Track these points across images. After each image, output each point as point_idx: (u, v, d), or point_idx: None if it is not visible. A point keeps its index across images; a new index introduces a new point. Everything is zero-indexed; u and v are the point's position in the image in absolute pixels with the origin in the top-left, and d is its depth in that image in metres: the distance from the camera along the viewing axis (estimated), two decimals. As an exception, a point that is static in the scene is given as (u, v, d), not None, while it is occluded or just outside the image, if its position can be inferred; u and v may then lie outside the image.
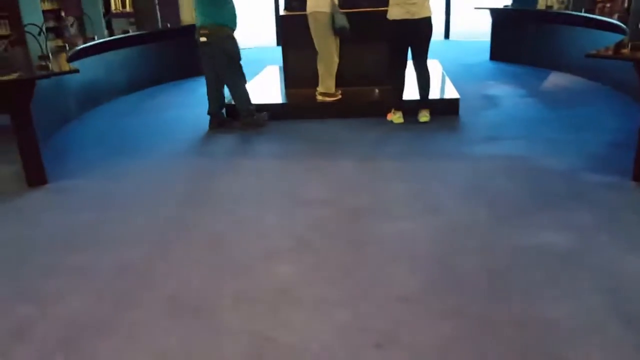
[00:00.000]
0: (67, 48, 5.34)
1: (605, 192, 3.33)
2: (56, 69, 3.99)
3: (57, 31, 9.64)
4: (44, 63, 3.95)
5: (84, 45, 5.68)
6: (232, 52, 4.87)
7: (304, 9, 5.25)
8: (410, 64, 4.92)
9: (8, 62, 4.58)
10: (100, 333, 2.23)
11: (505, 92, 6.10)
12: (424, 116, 4.93)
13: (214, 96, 5.14)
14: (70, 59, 5.07)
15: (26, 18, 6.14)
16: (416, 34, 4.71)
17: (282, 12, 6.08)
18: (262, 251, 2.84)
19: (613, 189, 3.37)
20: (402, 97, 4.99)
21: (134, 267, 2.74)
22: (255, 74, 7.05)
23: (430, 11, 4.70)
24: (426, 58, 4.89)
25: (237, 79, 5.00)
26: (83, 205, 3.57)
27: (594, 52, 3.72)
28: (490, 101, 5.74)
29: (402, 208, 3.30)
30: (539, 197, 3.33)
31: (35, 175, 3.81)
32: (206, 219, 3.27)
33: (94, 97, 6.20)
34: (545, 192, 3.40)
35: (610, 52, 3.78)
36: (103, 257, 2.85)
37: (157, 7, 7.72)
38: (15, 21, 6.80)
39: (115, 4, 10.72)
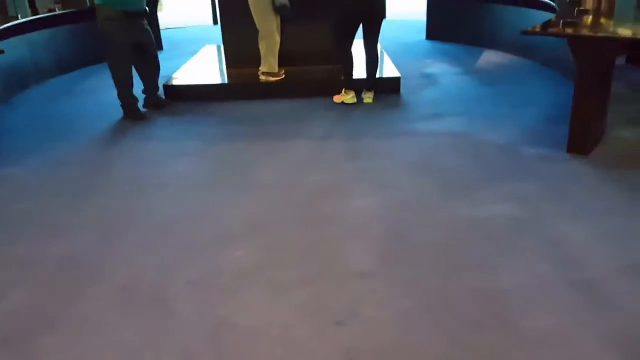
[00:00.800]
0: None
1: (544, 164, 3.49)
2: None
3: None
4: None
5: (6, 25, 5.29)
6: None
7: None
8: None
9: None
10: (45, 329, 2.12)
11: (443, 70, 6.24)
12: (368, 97, 4.95)
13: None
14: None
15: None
16: (371, 14, 4.67)
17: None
18: (215, 236, 2.78)
19: (551, 161, 3.53)
20: (352, 76, 4.95)
21: (80, 258, 2.62)
22: (193, 53, 6.86)
23: None
24: (378, 39, 4.87)
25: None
26: (22, 194, 3.37)
27: (529, 29, 3.84)
28: (430, 80, 5.85)
29: (355, 187, 3.33)
30: (484, 171, 3.44)
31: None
32: (154, 205, 3.17)
33: (22, 79, 5.83)
34: (490, 166, 3.52)
35: (542, 30, 3.91)
36: (47, 248, 2.71)
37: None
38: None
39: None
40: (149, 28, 4.83)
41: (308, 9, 5.48)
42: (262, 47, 5.29)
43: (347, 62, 4.90)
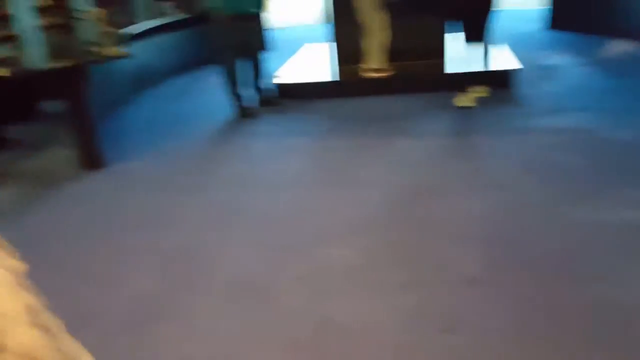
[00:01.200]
0: (116, 33, 5.37)
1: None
2: (108, 54, 4.01)
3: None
4: (94, 49, 3.98)
5: (131, 30, 5.71)
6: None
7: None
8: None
9: (59, 49, 4.63)
10: (160, 317, 2.23)
11: (565, 61, 5.79)
12: (479, 92, 4.61)
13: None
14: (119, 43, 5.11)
15: (74, 3, 6.20)
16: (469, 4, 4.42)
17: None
18: (319, 234, 2.78)
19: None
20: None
21: (191, 250, 2.74)
22: (292, 52, 6.94)
23: None
24: (484, 32, 4.51)
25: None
26: (139, 187, 3.61)
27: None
28: (549, 72, 5.45)
29: (464, 186, 3.17)
30: (610, 172, 3.13)
31: (93, 159, 3.86)
32: (259, 201, 3.24)
33: (144, 80, 6.25)
34: (616, 166, 3.20)
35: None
36: (160, 239, 2.86)
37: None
38: (63, 8, 6.87)
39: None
40: (259, 29, 4.95)
41: (417, 2, 5.34)
42: (368, 42, 5.23)
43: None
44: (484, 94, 4.62)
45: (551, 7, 7.75)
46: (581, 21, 7.18)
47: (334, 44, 5.93)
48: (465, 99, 4.50)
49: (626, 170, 3.12)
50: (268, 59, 5.23)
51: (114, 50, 4.25)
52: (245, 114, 4.99)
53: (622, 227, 2.54)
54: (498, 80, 4.93)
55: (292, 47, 7.54)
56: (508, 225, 2.68)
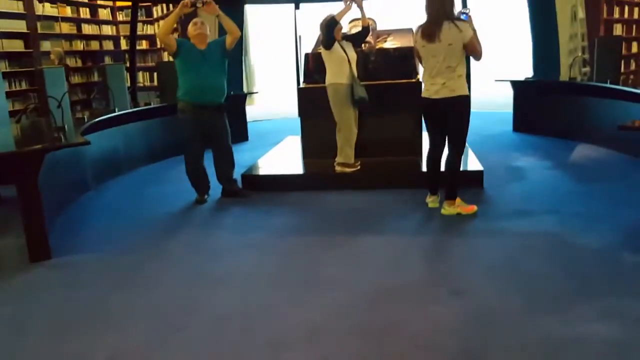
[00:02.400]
0: (86, 120, 5.36)
1: (650, 275, 3.02)
2: (70, 140, 3.94)
3: (85, 103, 9.93)
4: (56, 135, 3.91)
5: (103, 117, 5.71)
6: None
7: (324, 82, 5.22)
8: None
9: (25, 132, 4.56)
10: None
11: (532, 164, 5.89)
12: (443, 208, 4.33)
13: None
14: (88, 131, 5.07)
15: (50, 90, 6.22)
16: (439, 116, 4.19)
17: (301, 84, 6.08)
18: (269, 340, 2.57)
19: (659, 272, 3.06)
20: (435, 181, 4.46)
21: (129, 355, 2.50)
22: (275, 144, 7.01)
23: (457, 90, 4.03)
24: (453, 143, 4.25)
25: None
26: (86, 282, 3.37)
27: (628, 123, 3.52)
28: (516, 173, 5.52)
29: (427, 292, 3.03)
30: (577, 280, 3.03)
31: (39, 250, 3.65)
32: (211, 300, 3.04)
33: (113, 167, 6.17)
34: (584, 274, 3.10)
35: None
36: (98, 342, 2.61)
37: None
38: (42, 93, 6.93)
39: (143, 78, 11.07)
40: (225, 121, 4.97)
41: (385, 101, 5.49)
42: (339, 138, 5.28)
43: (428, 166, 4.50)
44: (443, 212, 4.31)
45: (514, 110, 8.07)
46: (542, 125, 7.45)
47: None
48: (450, 209, 4.27)
49: (594, 279, 3.02)
50: (244, 151, 5.21)
51: (76, 136, 4.20)
52: (201, 202, 4.98)
53: (588, 340, 2.40)
54: (468, 181, 4.95)
55: (274, 139, 7.62)
56: (472, 336, 2.52)
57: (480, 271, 3.24)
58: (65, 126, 4.41)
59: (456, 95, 4.02)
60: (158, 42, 11.13)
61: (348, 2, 5.11)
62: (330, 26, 4.97)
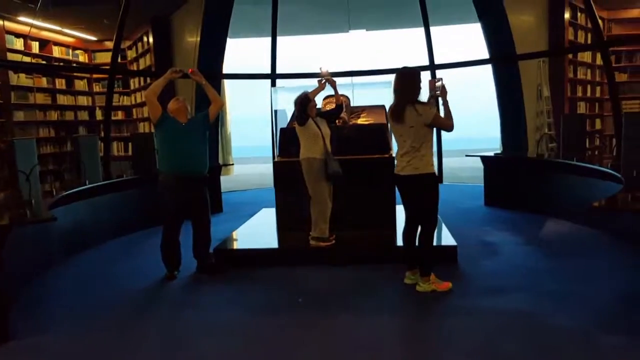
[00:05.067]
0: (55, 193, 5.26)
1: (623, 357, 2.99)
2: (37, 215, 3.83)
3: (56, 174, 9.81)
4: (22, 210, 3.81)
5: (72, 191, 5.61)
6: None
7: (299, 156, 5.27)
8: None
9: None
10: None
11: (504, 239, 5.94)
12: (418, 285, 4.30)
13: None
14: (56, 204, 4.97)
15: (20, 162, 6.13)
16: (406, 192, 4.30)
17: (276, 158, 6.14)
18: None
19: (631, 352, 3.03)
20: (411, 257, 4.43)
21: None
22: (250, 216, 6.96)
23: (420, 168, 4.11)
24: (423, 220, 4.28)
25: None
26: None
27: (598, 202, 3.62)
28: (489, 248, 5.55)
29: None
30: (553, 364, 2.98)
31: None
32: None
33: (82, 241, 6.00)
34: (558, 357, 3.05)
35: (610, 203, 3.68)
36: None
37: (156, 152, 7.83)
38: (12, 166, 6.82)
39: (118, 148, 11.06)
40: (206, 193, 4.95)
41: (359, 175, 5.55)
42: (314, 212, 5.27)
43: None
44: (419, 288, 4.28)
45: (485, 185, 8.23)
46: (513, 199, 7.60)
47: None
48: (424, 286, 4.24)
49: (569, 362, 2.98)
50: (219, 222, 5.14)
51: (43, 211, 4.10)
52: (170, 278, 4.85)
53: None
54: (443, 256, 4.94)
55: (249, 211, 7.57)
56: None
57: (457, 354, 3.17)
58: (33, 200, 4.31)
59: (419, 173, 4.13)
60: (134, 113, 11.26)
61: (322, 81, 5.28)
62: (303, 104, 5.10)
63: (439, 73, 9.96)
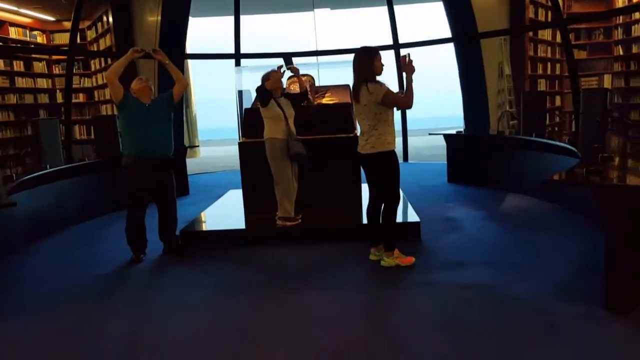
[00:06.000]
0: (15, 178, 5.13)
1: (580, 325, 3.13)
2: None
3: (17, 158, 9.53)
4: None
5: (32, 175, 5.48)
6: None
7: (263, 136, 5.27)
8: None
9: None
10: None
11: (466, 214, 6.09)
12: (382, 260, 4.41)
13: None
14: (16, 189, 4.85)
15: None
16: (367, 171, 4.40)
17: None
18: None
19: (588, 321, 3.17)
20: (375, 234, 4.53)
21: None
22: (217, 197, 6.94)
23: (377, 147, 4.18)
24: (384, 197, 4.36)
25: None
26: (6, 355, 3.14)
27: (553, 176, 3.73)
28: (452, 224, 5.69)
29: (366, 349, 3.01)
30: (513, 332, 3.10)
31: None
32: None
33: (43, 227, 5.88)
34: (518, 327, 3.17)
35: (566, 176, 3.80)
36: None
37: (119, 135, 7.69)
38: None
39: (80, 132, 10.79)
40: (172, 176, 4.92)
41: (324, 154, 5.59)
42: (277, 192, 5.30)
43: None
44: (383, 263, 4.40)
45: (447, 162, 8.39)
46: (475, 176, 7.77)
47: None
48: (388, 261, 4.36)
49: (529, 333, 3.09)
50: (185, 205, 5.11)
51: (2, 197, 4.00)
52: (137, 261, 4.83)
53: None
54: (406, 232, 5.05)
55: (215, 192, 7.53)
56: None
57: (418, 326, 3.27)
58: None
59: (375, 151, 4.21)
60: (96, 95, 10.98)
61: (282, 69, 5.23)
62: (262, 81, 5.10)
63: (403, 51, 10.02)
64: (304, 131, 5.47)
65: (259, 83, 5.19)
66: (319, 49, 10.38)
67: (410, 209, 5.68)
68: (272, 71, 5.16)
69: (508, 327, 3.17)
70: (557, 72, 10.82)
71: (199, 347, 3.15)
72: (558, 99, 10.79)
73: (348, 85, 6.51)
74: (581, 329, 3.08)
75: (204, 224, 5.86)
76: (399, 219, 5.18)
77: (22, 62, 10.15)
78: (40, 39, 10.60)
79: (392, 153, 4.26)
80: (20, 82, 10.07)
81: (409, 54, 4.18)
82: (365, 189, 5.81)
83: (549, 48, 10.58)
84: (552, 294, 3.59)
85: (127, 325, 3.51)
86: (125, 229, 4.87)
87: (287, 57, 5.35)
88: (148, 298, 3.99)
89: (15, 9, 9.71)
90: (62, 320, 3.61)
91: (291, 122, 5.22)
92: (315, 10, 12.25)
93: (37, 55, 10.56)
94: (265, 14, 14.32)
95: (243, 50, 10.67)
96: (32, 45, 10.40)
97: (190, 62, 11.28)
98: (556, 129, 10.28)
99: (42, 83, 10.61)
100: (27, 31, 10.26)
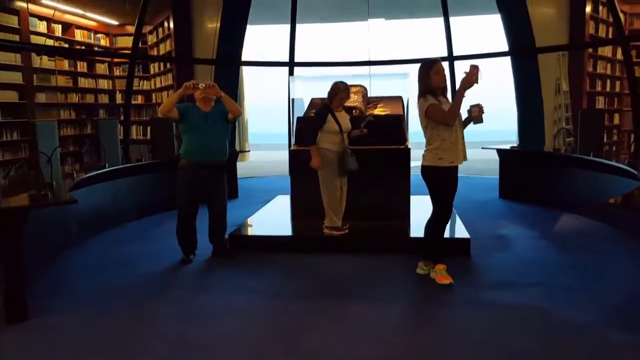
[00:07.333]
0: (75, 175, 5.37)
1: (635, 354, 3.01)
2: (57, 197, 3.93)
3: (76, 155, 9.97)
4: (43, 192, 3.91)
5: (92, 174, 5.72)
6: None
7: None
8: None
9: (12, 188, 4.55)
10: None
11: (517, 232, 5.95)
12: (419, 267, 4.49)
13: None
14: (77, 186, 5.08)
15: (41, 144, 6.27)
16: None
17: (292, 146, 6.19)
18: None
19: (643, 351, 3.05)
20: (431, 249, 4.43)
21: None
22: (265, 202, 7.05)
23: (428, 160, 4.20)
24: (435, 208, 4.35)
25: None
26: (57, 348, 3.26)
27: (616, 199, 3.63)
28: (502, 242, 5.57)
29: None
30: (561, 359, 3.01)
31: (15, 311, 3.55)
32: (193, 369, 2.97)
33: (100, 223, 6.13)
34: (570, 354, 3.07)
35: (624, 200, 3.68)
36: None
37: (175, 137, 7.93)
38: (33, 146, 6.99)
39: (136, 132, 11.18)
40: (224, 181, 5.03)
41: (375, 164, 5.58)
42: (324, 201, 5.31)
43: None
44: (420, 271, 4.47)
45: (500, 177, 8.21)
46: (528, 193, 7.58)
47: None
48: (424, 269, 4.42)
49: (578, 358, 3.00)
50: (234, 208, 5.22)
51: (64, 193, 4.19)
52: (186, 262, 4.96)
53: None
54: (456, 248, 4.98)
55: (264, 197, 7.65)
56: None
57: (462, 347, 3.21)
58: (54, 182, 4.41)
59: (427, 164, 4.25)
60: (153, 97, 11.36)
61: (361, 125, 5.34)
62: (322, 108, 5.21)
63: (458, 64, 9.91)
64: (355, 141, 5.48)
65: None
66: (372, 59, 10.39)
67: (460, 224, 5.60)
68: (344, 88, 5.20)
69: (558, 353, 3.08)
70: (617, 89, 10.46)
71: (244, 350, 3.21)
72: (617, 117, 10.42)
73: (400, 97, 6.50)
74: (635, 359, 2.96)
75: (252, 228, 5.96)
76: (447, 234, 5.11)
77: (85, 63, 10.63)
78: (104, 41, 11.06)
79: (444, 169, 4.18)
80: (83, 82, 10.54)
81: (478, 67, 3.98)
82: (414, 201, 5.83)
83: (609, 65, 10.24)
84: (607, 321, 3.46)
85: (175, 325, 3.60)
86: (176, 229, 5.02)
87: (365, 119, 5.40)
88: (196, 299, 4.08)
89: (82, 12, 10.19)
90: (112, 317, 3.73)
91: (346, 137, 5.23)
92: (370, 20, 12.29)
93: (100, 58, 11.03)
94: (321, 22, 14.45)
95: (297, 59, 10.80)
96: (96, 48, 10.86)
97: (245, 68, 11.51)
98: (614, 148, 9.92)
99: (103, 84, 11.07)
100: (92, 34, 10.74)
